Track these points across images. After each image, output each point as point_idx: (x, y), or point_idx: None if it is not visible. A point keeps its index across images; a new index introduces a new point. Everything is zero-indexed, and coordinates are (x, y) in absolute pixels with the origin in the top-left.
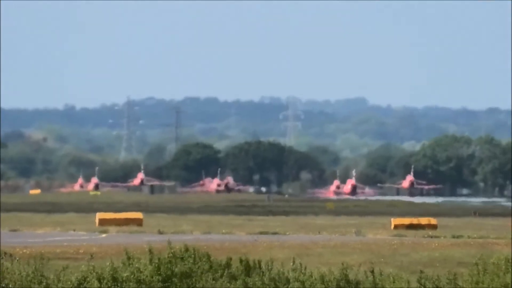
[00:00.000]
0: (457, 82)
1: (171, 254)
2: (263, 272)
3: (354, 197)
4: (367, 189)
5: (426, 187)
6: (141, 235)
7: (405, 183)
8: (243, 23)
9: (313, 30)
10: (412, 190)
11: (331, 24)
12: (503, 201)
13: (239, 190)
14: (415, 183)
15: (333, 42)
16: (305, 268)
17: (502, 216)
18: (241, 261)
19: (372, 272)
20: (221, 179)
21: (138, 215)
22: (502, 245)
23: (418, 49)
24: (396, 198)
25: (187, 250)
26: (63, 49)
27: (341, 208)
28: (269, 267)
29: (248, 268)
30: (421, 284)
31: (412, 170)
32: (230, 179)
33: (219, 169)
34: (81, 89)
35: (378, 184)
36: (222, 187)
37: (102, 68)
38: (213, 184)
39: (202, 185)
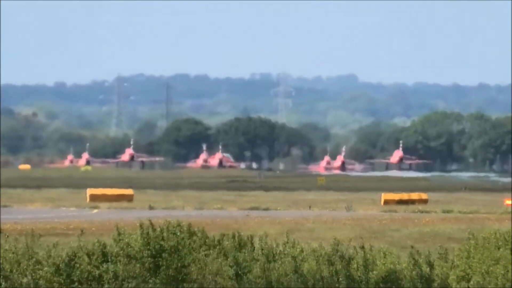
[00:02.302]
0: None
1: (160, 229)
2: (254, 248)
3: (344, 173)
4: (357, 165)
5: (415, 162)
6: (132, 211)
7: (394, 158)
8: None
9: (304, 5)
10: (401, 165)
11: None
12: (492, 176)
13: (231, 166)
14: (404, 158)
15: (324, 18)
16: (297, 243)
17: (492, 191)
18: (233, 236)
19: (363, 247)
20: (210, 155)
21: (128, 191)
22: (493, 220)
23: (409, 26)
24: (386, 173)
25: (179, 225)
26: (54, 26)
27: (331, 184)
28: (263, 242)
29: (240, 244)
30: (412, 259)
31: (401, 145)
32: (220, 155)
33: (205, 145)
34: (72, 65)
35: (367, 160)
36: (210, 163)
37: (92, 44)
38: (214, 159)
39: (205, 161)
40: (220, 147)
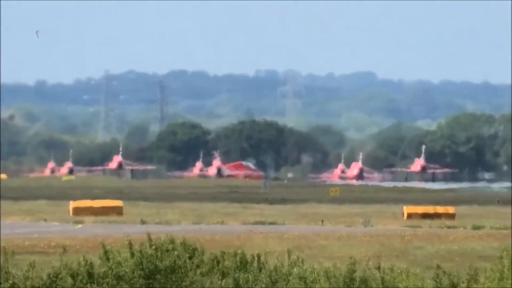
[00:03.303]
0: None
1: (155, 247)
2: (260, 267)
3: (361, 183)
4: (376, 174)
5: (439, 171)
6: (121, 226)
7: (415, 167)
8: None
9: None
10: (423, 175)
11: None
12: None
13: (231, 175)
14: (426, 167)
15: (338, 10)
16: (307, 262)
17: None
18: (235, 254)
19: (378, 268)
20: (208, 162)
21: (117, 203)
22: None
23: (434, 18)
24: (408, 184)
25: (172, 242)
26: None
27: (346, 195)
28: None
29: (243, 263)
30: (437, 282)
31: (423, 151)
32: (218, 162)
33: (217, 151)
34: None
35: (385, 168)
36: (208, 172)
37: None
38: (212, 167)
39: (201, 170)
40: (217, 154)
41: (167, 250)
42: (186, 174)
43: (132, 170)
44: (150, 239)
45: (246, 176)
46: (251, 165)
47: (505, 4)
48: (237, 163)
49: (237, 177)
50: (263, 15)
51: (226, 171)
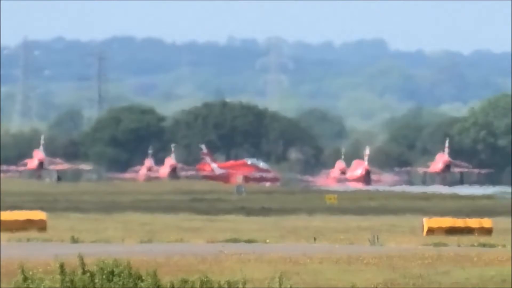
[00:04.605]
0: None
1: (89, 273)
2: None
3: (367, 187)
4: (387, 175)
5: (469, 170)
6: (46, 245)
7: (436, 166)
8: None
9: None
10: (447, 176)
11: None
12: None
13: (270, 180)
14: (452, 164)
15: None
16: None
17: None
18: (200, 282)
19: None
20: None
21: (39, 214)
22: None
23: None
24: (429, 188)
25: (116, 266)
26: None
27: (347, 204)
28: None
29: None
30: None
31: (446, 145)
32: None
33: (173, 145)
34: None
35: (398, 168)
36: (159, 173)
37: None
38: (164, 166)
39: (149, 169)
40: (173, 148)
41: (108, 277)
42: (130, 175)
43: (58, 171)
44: (83, 263)
45: (257, 180)
46: (259, 163)
47: None
48: (239, 161)
49: (233, 182)
50: None
51: (219, 171)
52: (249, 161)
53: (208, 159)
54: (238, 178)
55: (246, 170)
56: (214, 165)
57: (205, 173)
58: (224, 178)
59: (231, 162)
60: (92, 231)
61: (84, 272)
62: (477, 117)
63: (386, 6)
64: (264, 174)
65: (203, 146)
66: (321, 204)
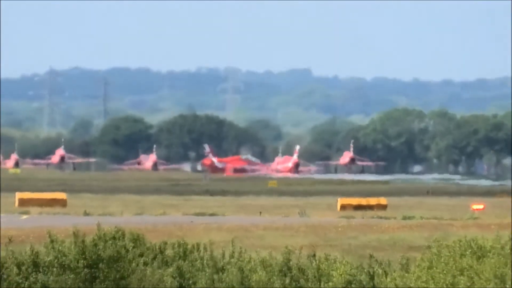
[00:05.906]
0: (408, 52)
1: (97, 236)
2: (201, 257)
3: (297, 175)
4: (312, 167)
5: (367, 163)
6: (66, 217)
7: (344, 159)
8: None
9: None
10: (351, 167)
11: None
12: (457, 179)
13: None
14: (355, 159)
15: (275, 9)
16: (245, 252)
17: (457, 195)
18: (179, 244)
19: (314, 256)
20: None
21: (61, 195)
22: (458, 227)
23: (367, 17)
24: (339, 176)
25: (117, 232)
26: None
27: (284, 188)
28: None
29: (185, 253)
30: (370, 270)
31: (351, 145)
32: (154, 157)
33: (155, 146)
34: None
35: (317, 161)
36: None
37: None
38: (148, 161)
39: (139, 163)
40: (155, 148)
41: (111, 241)
42: (124, 166)
43: (74, 163)
44: (100, 229)
45: (251, 171)
46: (250, 157)
47: (429, 4)
48: (235, 157)
49: (236, 174)
50: (204, 14)
51: (219, 164)
52: (243, 157)
53: (211, 155)
54: (230, 170)
55: (240, 163)
56: (215, 160)
57: (208, 166)
58: (222, 170)
59: (230, 157)
60: (99, 207)
61: (98, 237)
62: (376, 125)
63: (311, 43)
64: (258, 167)
65: (206, 146)
66: (265, 188)
